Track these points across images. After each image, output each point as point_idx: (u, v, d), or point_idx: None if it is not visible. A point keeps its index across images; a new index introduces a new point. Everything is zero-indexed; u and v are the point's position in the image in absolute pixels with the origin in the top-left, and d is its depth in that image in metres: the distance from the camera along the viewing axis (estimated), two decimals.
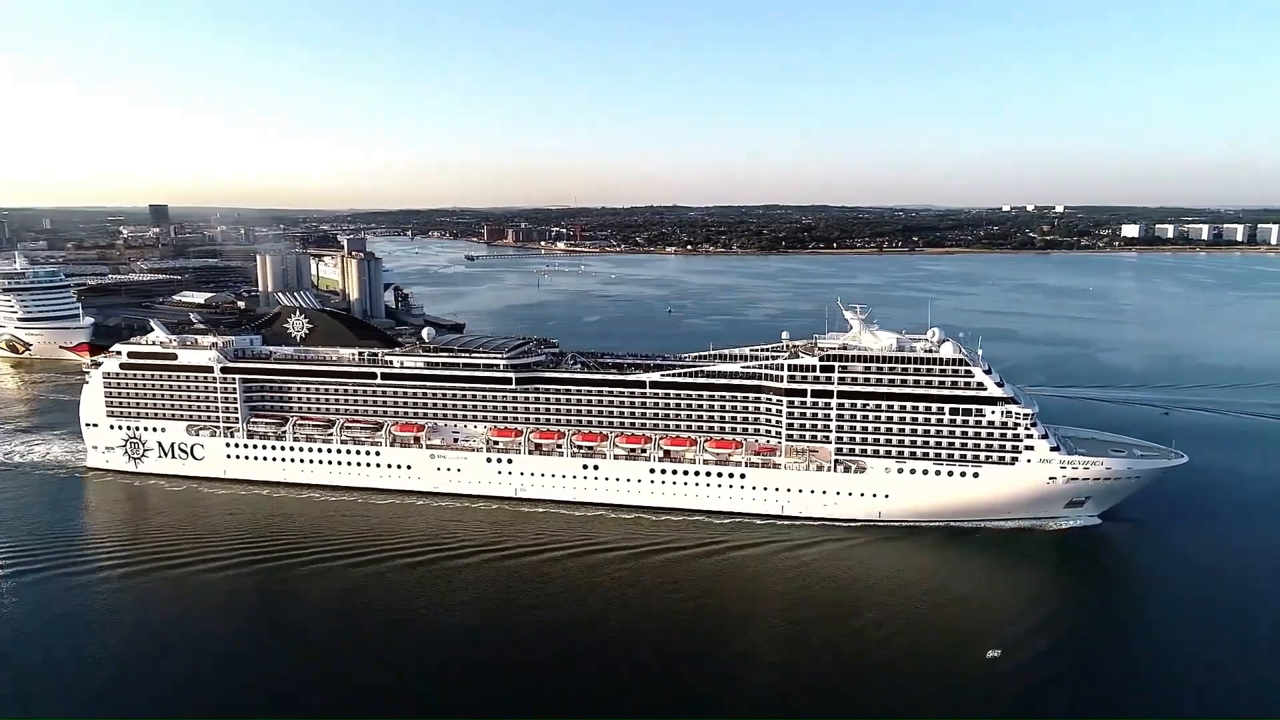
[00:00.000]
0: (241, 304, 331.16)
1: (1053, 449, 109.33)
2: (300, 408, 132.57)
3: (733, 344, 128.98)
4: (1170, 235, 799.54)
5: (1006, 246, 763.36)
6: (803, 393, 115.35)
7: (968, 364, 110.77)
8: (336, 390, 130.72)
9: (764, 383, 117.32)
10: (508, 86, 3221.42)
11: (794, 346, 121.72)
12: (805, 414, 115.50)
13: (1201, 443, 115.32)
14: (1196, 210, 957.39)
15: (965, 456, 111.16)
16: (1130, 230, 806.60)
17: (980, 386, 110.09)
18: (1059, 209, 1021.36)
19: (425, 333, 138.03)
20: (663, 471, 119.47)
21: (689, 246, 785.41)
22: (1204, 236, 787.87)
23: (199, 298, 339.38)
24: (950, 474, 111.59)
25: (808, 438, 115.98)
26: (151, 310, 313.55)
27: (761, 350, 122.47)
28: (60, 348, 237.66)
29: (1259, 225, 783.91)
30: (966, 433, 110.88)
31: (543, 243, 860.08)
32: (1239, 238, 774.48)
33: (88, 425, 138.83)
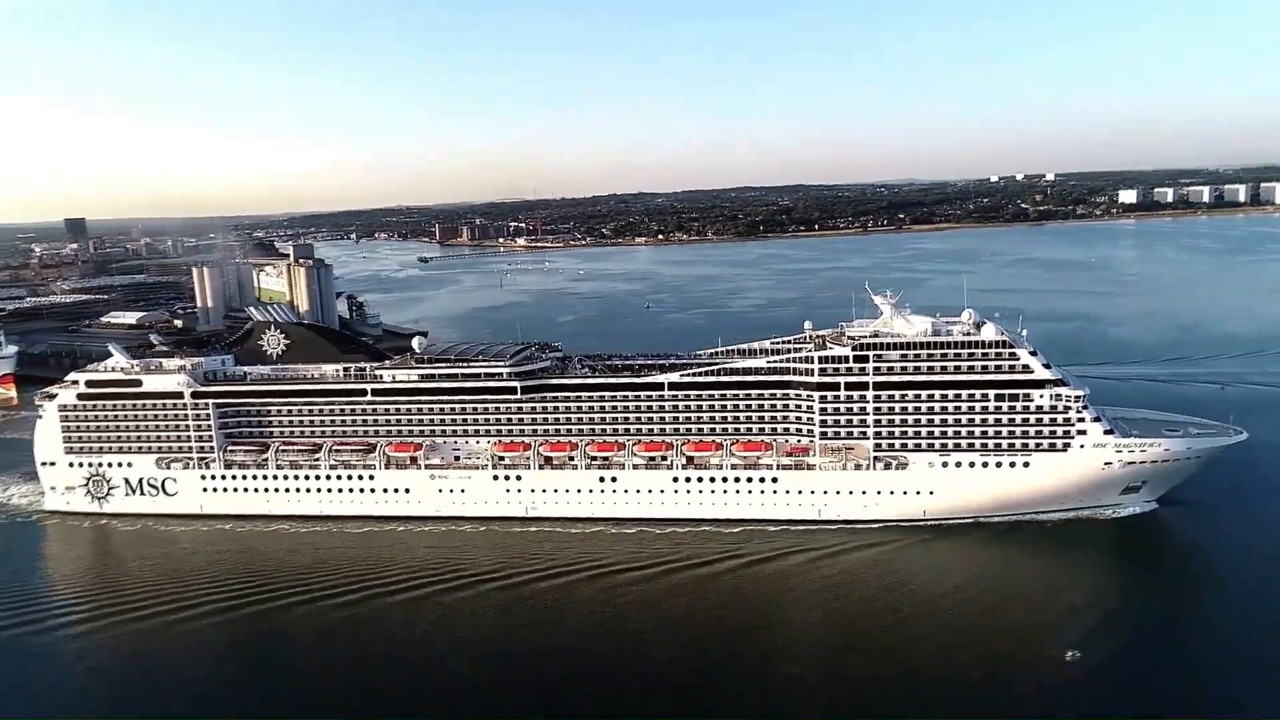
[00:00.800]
0: (179, 323, 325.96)
1: (1106, 432, 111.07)
2: (283, 432, 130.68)
3: (724, 339, 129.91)
4: (1170, 199, 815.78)
5: (998, 219, 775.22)
6: (835, 386, 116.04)
7: (1012, 346, 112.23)
8: (322, 411, 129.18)
9: (793, 378, 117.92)
10: (451, 77, 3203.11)
11: (819, 337, 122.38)
12: (840, 409, 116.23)
13: (1241, 416, 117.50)
14: (1195, 171, 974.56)
15: (1014, 445, 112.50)
16: (1128, 196, 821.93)
17: (1027, 369, 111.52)
18: (1050, 176, 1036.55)
19: (415, 342, 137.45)
20: (686, 480, 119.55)
21: (660, 236, 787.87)
22: (1205, 199, 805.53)
23: (130, 318, 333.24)
24: (999, 465, 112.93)
25: (843, 434, 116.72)
26: (78, 334, 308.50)
27: (784, 343, 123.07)
28: None
29: (1262, 184, 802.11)
30: (1014, 419, 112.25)
31: (501, 240, 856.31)
32: (1241, 198, 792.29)
33: (43, 464, 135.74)
